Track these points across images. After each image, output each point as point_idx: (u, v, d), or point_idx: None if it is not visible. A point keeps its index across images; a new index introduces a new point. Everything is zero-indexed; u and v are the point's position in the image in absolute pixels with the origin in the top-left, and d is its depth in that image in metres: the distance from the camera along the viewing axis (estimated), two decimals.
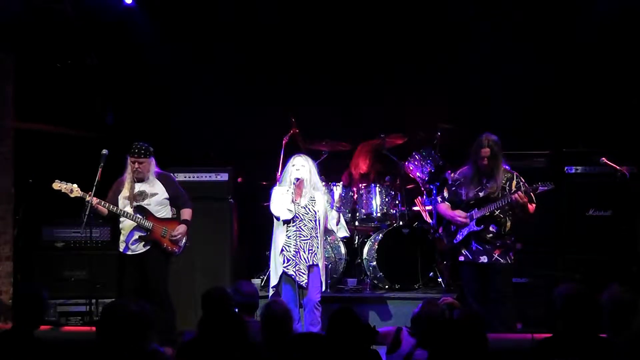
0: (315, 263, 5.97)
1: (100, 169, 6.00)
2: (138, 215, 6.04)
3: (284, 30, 8.09)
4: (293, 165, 6.08)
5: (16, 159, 7.13)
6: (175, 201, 6.24)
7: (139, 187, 6.11)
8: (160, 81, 8.25)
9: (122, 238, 6.15)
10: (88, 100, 7.97)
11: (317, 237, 6.00)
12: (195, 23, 8.02)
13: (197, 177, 7.37)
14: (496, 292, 5.90)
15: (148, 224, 6.04)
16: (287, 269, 5.93)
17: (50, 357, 4.08)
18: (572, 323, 3.76)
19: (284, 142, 7.67)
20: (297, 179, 5.97)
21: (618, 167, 6.58)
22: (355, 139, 8.17)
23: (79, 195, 5.93)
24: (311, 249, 5.96)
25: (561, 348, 3.75)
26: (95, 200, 5.89)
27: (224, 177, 7.44)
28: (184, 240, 6.19)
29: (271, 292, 6.03)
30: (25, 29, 7.06)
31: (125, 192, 6.10)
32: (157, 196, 6.14)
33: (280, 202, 5.96)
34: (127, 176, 6.12)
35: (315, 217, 5.99)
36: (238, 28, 8.10)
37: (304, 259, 5.93)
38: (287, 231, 5.98)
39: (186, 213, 6.25)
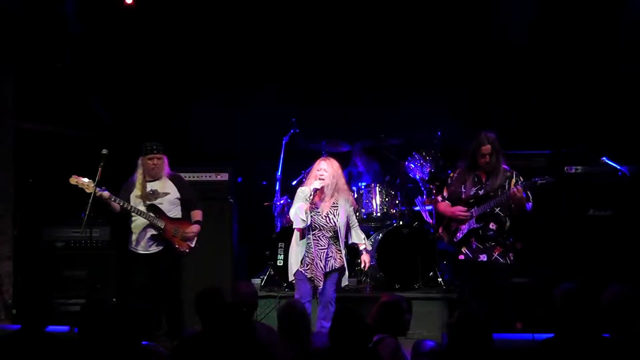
0: (333, 269, 5.97)
1: (100, 169, 6.01)
2: (151, 214, 6.07)
3: (284, 30, 8.08)
4: (318, 169, 6.03)
5: (16, 159, 7.12)
6: (186, 202, 6.30)
7: (151, 186, 6.17)
8: (160, 80, 8.25)
9: (133, 237, 6.19)
10: (87, 100, 7.98)
11: (337, 243, 5.98)
12: (195, 22, 8.02)
13: (197, 177, 7.37)
14: (496, 292, 5.91)
15: (160, 222, 6.09)
16: (306, 272, 5.96)
17: (61, 356, 4.08)
18: (572, 323, 3.76)
19: (284, 142, 7.68)
20: (315, 189, 5.92)
21: (618, 167, 6.58)
22: (355, 139, 8.16)
23: (92, 191, 5.94)
24: (328, 257, 5.95)
25: (562, 348, 3.75)
26: (107, 195, 5.93)
27: (224, 177, 7.44)
28: (194, 241, 6.23)
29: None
30: (24, 29, 7.06)
31: (137, 192, 6.14)
32: (169, 196, 6.20)
33: (298, 208, 5.93)
34: (138, 176, 6.18)
35: (336, 227, 5.97)
36: (238, 27, 8.10)
37: (320, 267, 5.93)
38: (307, 239, 5.96)
39: (197, 214, 6.33)
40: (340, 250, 5.99)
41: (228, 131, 8.44)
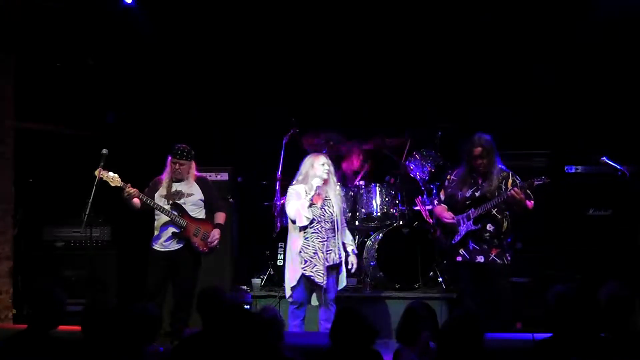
0: (334, 263, 5.97)
1: (99, 169, 6.01)
2: (174, 212, 6.12)
3: (284, 30, 8.09)
4: (322, 164, 6.00)
5: (16, 159, 7.12)
6: (209, 204, 6.34)
7: (176, 186, 6.23)
8: (160, 80, 8.25)
9: (155, 235, 6.23)
10: (88, 100, 7.98)
11: (335, 236, 5.99)
12: (195, 23, 8.02)
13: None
14: (494, 293, 5.91)
15: (182, 221, 6.13)
16: (305, 270, 5.90)
17: (66, 357, 4.08)
18: (567, 323, 3.75)
19: (284, 142, 7.68)
20: (319, 187, 5.92)
21: (618, 167, 6.58)
22: (356, 139, 8.16)
23: (119, 185, 5.99)
24: (329, 250, 5.94)
25: (561, 348, 3.75)
26: (130, 189, 5.97)
27: (224, 177, 7.46)
28: (214, 243, 6.28)
29: (288, 293, 6.03)
30: (25, 28, 7.06)
31: (162, 191, 6.21)
32: (192, 197, 6.25)
33: (297, 205, 5.91)
34: (166, 175, 6.24)
35: (332, 217, 5.98)
36: (238, 28, 8.10)
37: (322, 260, 5.90)
38: (305, 233, 5.94)
39: (220, 217, 6.36)
40: (337, 245, 5.99)
41: (228, 131, 8.44)
